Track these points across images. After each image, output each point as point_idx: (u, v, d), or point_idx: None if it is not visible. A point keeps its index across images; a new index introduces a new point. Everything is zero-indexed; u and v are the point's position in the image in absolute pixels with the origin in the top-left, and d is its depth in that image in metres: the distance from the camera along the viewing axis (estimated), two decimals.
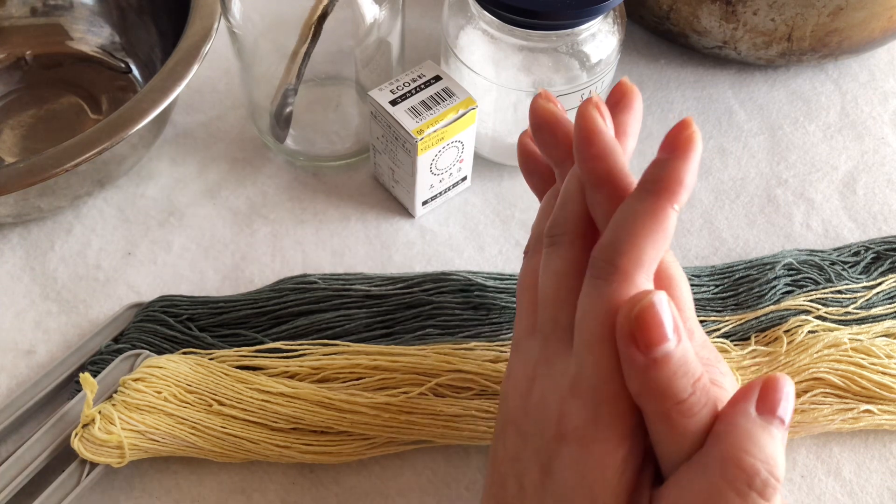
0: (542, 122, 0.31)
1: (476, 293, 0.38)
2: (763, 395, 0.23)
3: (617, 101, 0.30)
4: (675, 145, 0.25)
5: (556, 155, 0.31)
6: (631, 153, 0.30)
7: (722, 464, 0.22)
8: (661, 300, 0.23)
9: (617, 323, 0.24)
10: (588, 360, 0.25)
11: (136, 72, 0.48)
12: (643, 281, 0.25)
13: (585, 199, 0.28)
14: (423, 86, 0.39)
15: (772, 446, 0.22)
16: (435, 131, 0.38)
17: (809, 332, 0.37)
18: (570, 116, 0.32)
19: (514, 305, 0.37)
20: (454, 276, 0.38)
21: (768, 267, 0.40)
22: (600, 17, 0.39)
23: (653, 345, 0.23)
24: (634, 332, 0.23)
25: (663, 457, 0.24)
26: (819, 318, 0.38)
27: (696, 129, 0.25)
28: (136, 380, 0.33)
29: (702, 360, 0.26)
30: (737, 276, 0.40)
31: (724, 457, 0.22)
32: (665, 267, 0.28)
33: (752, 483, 0.22)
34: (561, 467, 0.25)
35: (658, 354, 0.23)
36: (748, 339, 0.37)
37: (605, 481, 0.24)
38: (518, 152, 0.35)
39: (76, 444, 0.32)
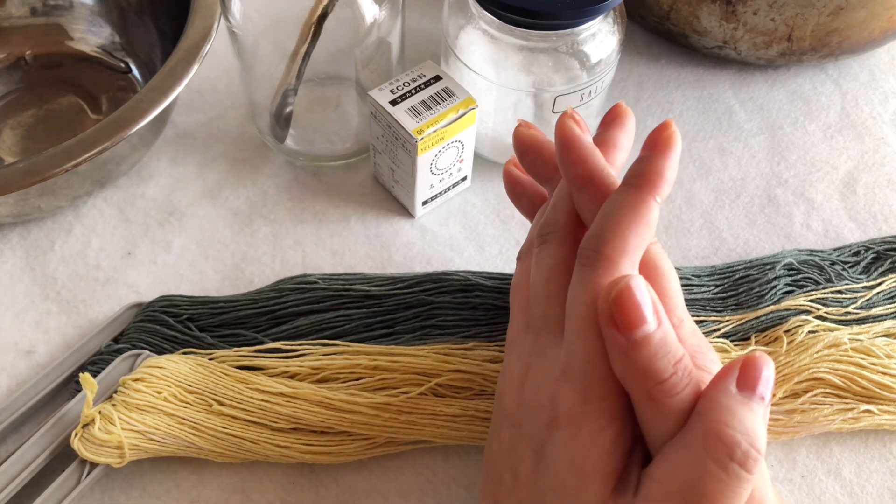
0: (526, 146, 0.34)
1: (476, 293, 0.38)
2: (743, 373, 0.24)
3: (611, 119, 0.33)
4: (655, 144, 0.28)
5: (545, 172, 0.33)
6: (621, 165, 0.32)
7: (704, 438, 0.23)
8: (638, 283, 0.24)
9: (598, 306, 0.25)
10: (577, 344, 0.26)
11: (136, 72, 0.48)
12: (627, 268, 0.26)
13: (573, 200, 0.30)
14: (423, 86, 0.39)
15: (752, 420, 0.23)
16: (435, 131, 0.38)
17: (809, 332, 0.37)
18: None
19: None
20: (454, 276, 0.38)
21: (768, 267, 0.40)
22: (600, 17, 0.39)
23: (632, 326, 0.24)
24: (614, 313, 0.24)
25: (650, 437, 0.25)
26: (819, 318, 0.38)
27: (675, 129, 0.28)
28: (136, 380, 0.33)
29: (691, 347, 0.27)
30: (737, 276, 0.40)
31: (705, 431, 0.23)
32: (652, 257, 0.30)
33: (733, 454, 0.22)
34: (552, 451, 0.26)
35: (637, 336, 0.24)
36: (748, 339, 0.37)
37: (595, 462, 0.25)
38: (504, 180, 0.37)
39: (76, 444, 0.32)
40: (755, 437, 0.23)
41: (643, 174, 0.27)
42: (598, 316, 0.25)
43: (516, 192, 0.37)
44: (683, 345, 0.26)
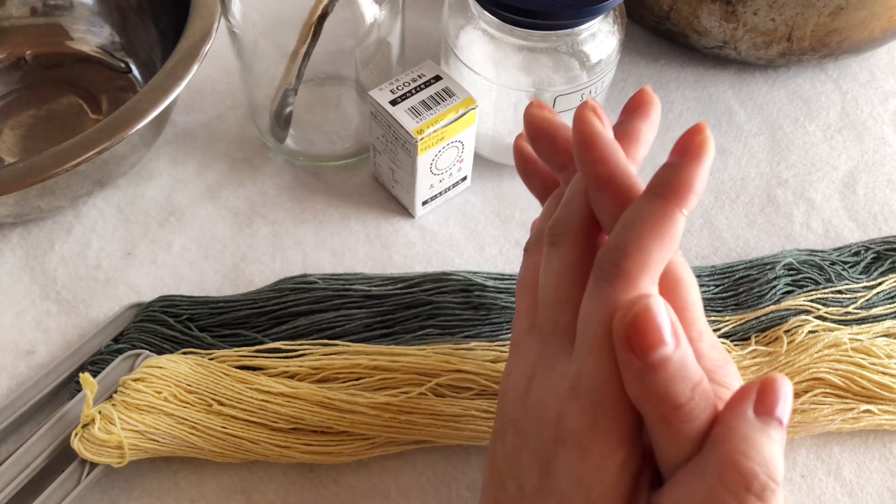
0: (538, 130, 0.31)
1: (476, 293, 0.38)
2: (761, 397, 0.23)
3: (636, 107, 0.30)
4: (687, 149, 0.25)
5: (559, 161, 0.31)
6: (642, 159, 0.30)
7: (720, 468, 0.22)
8: (658, 304, 0.23)
9: (613, 327, 0.24)
10: (589, 362, 0.24)
11: (136, 72, 0.48)
12: (647, 285, 0.25)
13: (589, 199, 0.27)
14: (423, 86, 0.39)
15: (770, 449, 0.22)
16: (435, 131, 0.38)
17: (809, 332, 0.37)
18: (568, 118, 0.32)
19: (515, 305, 0.37)
20: (454, 276, 0.38)
21: (768, 267, 0.40)
22: (600, 17, 0.39)
23: (649, 349, 0.23)
24: (630, 336, 0.23)
25: (662, 460, 0.24)
26: (819, 318, 0.38)
27: (709, 133, 0.25)
28: (136, 380, 0.33)
29: (710, 362, 0.26)
30: (737, 276, 0.40)
31: (721, 461, 0.22)
32: (673, 269, 0.28)
33: (751, 487, 0.22)
34: (559, 470, 0.25)
35: (654, 359, 0.23)
36: (748, 339, 0.37)
37: (603, 484, 0.24)
38: (515, 157, 0.34)
39: (76, 444, 0.32)
40: (773, 468, 0.22)
41: (671, 184, 0.24)
42: (613, 336, 0.24)
43: (527, 170, 0.34)
44: (702, 359, 0.25)
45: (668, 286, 0.27)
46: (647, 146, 0.30)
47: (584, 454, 0.24)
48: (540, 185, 0.34)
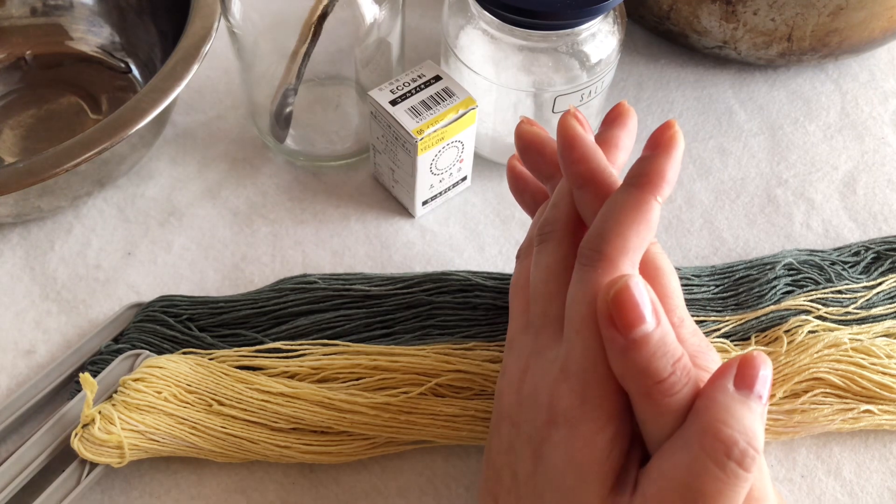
0: (528, 143, 0.33)
1: (476, 293, 0.38)
2: (741, 372, 0.24)
3: (613, 118, 0.33)
4: (658, 144, 0.28)
5: (546, 170, 0.33)
6: (623, 164, 0.32)
7: (701, 436, 0.23)
8: (637, 283, 0.24)
9: (597, 305, 0.25)
10: (576, 343, 0.26)
11: (136, 72, 0.48)
12: (627, 267, 0.26)
13: (573, 199, 0.30)
14: (423, 86, 0.39)
15: (749, 419, 0.23)
16: (435, 131, 0.38)
17: (810, 332, 0.37)
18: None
19: None
20: (454, 276, 0.38)
21: (768, 267, 0.40)
22: (600, 17, 0.39)
23: (630, 326, 0.24)
24: (612, 313, 0.24)
25: (648, 436, 0.25)
26: (819, 318, 0.38)
27: (678, 129, 0.28)
28: (136, 380, 0.33)
29: (692, 347, 0.27)
30: (737, 276, 0.40)
31: (703, 430, 0.23)
32: (652, 258, 0.30)
33: (731, 453, 0.23)
34: (551, 451, 0.26)
35: (636, 335, 0.24)
36: (748, 339, 0.37)
37: (593, 461, 0.25)
38: (507, 175, 0.37)
39: (76, 444, 0.32)
40: (753, 436, 0.23)
41: (644, 174, 0.27)
42: (597, 315, 0.25)
43: (519, 187, 0.37)
44: (684, 345, 0.26)
45: (649, 275, 0.29)
46: (627, 153, 0.32)
47: (575, 432, 0.25)
48: (531, 200, 0.36)
